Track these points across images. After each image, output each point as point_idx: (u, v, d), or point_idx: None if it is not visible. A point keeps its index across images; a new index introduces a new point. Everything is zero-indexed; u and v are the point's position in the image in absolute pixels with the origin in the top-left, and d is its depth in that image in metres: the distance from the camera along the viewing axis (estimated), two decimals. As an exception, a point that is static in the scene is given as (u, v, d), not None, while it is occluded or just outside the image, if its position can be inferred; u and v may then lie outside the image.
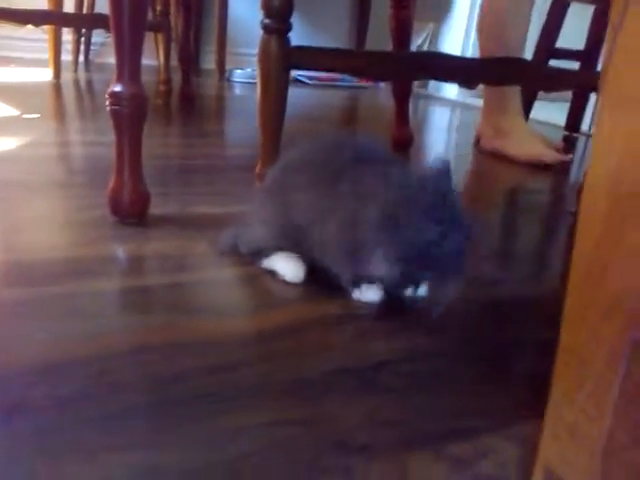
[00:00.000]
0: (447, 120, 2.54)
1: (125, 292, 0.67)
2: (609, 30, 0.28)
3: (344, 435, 0.46)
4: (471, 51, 3.13)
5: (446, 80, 1.08)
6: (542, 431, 0.32)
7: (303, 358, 0.56)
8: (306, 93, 2.85)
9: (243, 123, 1.91)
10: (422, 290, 0.72)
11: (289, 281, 0.72)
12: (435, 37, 3.39)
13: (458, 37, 3.20)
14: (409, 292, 0.71)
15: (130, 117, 0.83)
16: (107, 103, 0.83)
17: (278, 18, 0.88)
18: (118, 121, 0.84)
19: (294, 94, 2.72)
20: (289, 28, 0.90)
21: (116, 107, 0.83)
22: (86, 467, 0.40)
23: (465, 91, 3.15)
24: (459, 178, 1.35)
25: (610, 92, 0.27)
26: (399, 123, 1.51)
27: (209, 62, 3.29)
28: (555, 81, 1.04)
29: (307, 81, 3.22)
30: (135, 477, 0.40)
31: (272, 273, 0.73)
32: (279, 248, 0.73)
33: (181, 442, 0.43)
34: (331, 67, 0.93)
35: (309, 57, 0.92)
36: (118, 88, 0.82)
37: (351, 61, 0.94)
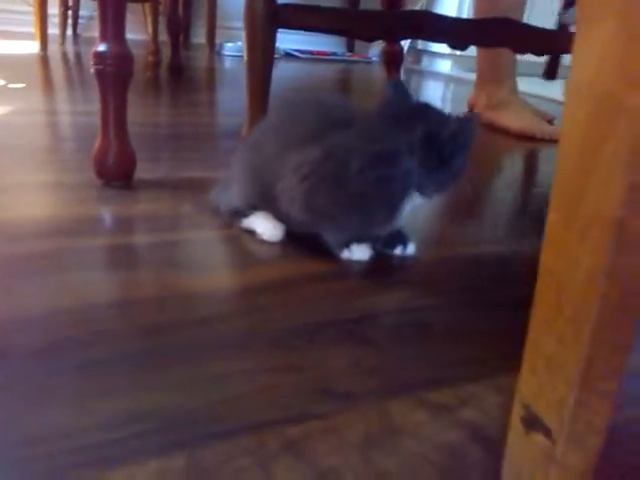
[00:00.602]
0: (440, 94, 2.51)
1: (111, 249, 0.66)
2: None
3: (327, 383, 0.46)
4: (466, 14, 3.09)
5: (435, 40, 1.06)
6: (520, 366, 0.32)
7: (288, 311, 0.56)
8: (298, 67, 2.82)
9: (232, 94, 1.88)
10: (410, 249, 0.72)
11: (267, 240, 0.71)
12: (431, 2, 3.34)
13: (453, 3, 3.14)
14: (398, 250, 0.71)
15: (114, 76, 0.82)
16: (91, 63, 0.81)
17: (264, -26, 0.86)
18: (102, 81, 0.82)
19: (286, 67, 2.70)
20: (275, -16, 0.88)
21: (100, 67, 0.81)
22: (68, 412, 0.40)
23: (458, 65, 3.12)
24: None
25: (586, 3, 0.26)
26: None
27: (199, 36, 3.24)
28: (548, 43, 1.03)
29: (299, 55, 3.18)
30: (118, 422, 0.39)
31: (252, 233, 0.72)
32: (256, 207, 0.72)
33: (164, 387, 0.43)
34: (318, 26, 0.91)
35: (295, 15, 0.90)
36: (102, 48, 0.81)
37: (338, 20, 0.92)
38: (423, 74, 3.05)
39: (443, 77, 2.99)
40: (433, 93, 2.53)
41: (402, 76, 1.49)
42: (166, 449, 0.37)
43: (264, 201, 0.71)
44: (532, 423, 0.32)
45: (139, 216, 0.77)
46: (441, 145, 0.63)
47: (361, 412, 0.43)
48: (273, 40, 0.90)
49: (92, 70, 0.82)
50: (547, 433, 0.31)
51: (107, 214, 0.77)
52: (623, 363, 0.29)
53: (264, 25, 0.88)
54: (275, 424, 0.41)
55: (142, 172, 0.90)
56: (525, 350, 0.32)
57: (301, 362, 0.48)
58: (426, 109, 0.66)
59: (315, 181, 0.63)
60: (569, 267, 0.28)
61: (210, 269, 0.64)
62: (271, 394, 0.44)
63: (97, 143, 0.84)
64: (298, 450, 0.38)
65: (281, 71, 2.55)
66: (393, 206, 0.64)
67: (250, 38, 0.90)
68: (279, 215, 0.71)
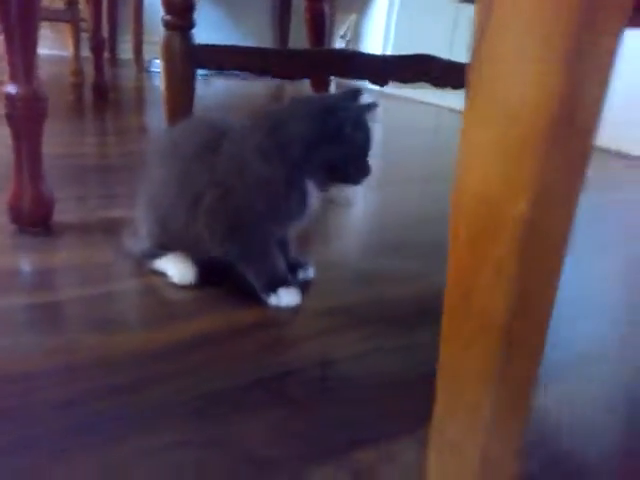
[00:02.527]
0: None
1: (25, 308, 0.63)
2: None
3: (249, 451, 0.45)
4: (392, 41, 3.18)
5: (355, 77, 1.08)
6: (426, 447, 0.33)
7: (211, 374, 0.55)
8: (233, 85, 2.80)
9: (162, 116, 1.84)
10: (310, 272, 0.75)
11: (179, 283, 0.70)
12: (357, 28, 3.42)
13: (379, 28, 3.23)
14: (300, 275, 0.74)
15: (26, 119, 0.78)
16: (3, 105, 0.78)
17: (179, 14, 0.85)
18: (14, 124, 0.78)
19: (221, 86, 2.66)
20: (192, 25, 0.87)
21: (10, 110, 0.77)
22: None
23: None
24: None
25: (475, 108, 0.28)
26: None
27: (127, 52, 3.16)
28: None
29: (236, 72, 3.15)
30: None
31: (165, 276, 0.71)
32: (166, 247, 0.72)
33: (89, 468, 0.41)
34: (238, 66, 0.92)
35: (214, 55, 0.89)
36: (12, 89, 0.77)
37: (258, 60, 0.93)
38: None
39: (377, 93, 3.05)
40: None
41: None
42: None
43: (173, 239, 0.70)
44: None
45: (56, 268, 0.74)
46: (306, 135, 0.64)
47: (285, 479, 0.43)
48: (193, 79, 0.89)
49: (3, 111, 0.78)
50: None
51: (22, 266, 0.74)
52: (520, 444, 0.31)
53: (182, 66, 0.87)
54: (195, 505, 0.40)
55: (62, 213, 0.86)
56: (430, 432, 0.33)
57: (226, 431, 0.47)
58: (296, 106, 0.67)
59: (218, 211, 0.65)
60: (465, 360, 0.29)
61: (128, 328, 0.62)
62: (200, 469, 0.43)
63: (11, 188, 0.81)
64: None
65: (217, 89, 2.52)
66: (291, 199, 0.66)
67: (169, 77, 0.88)
68: (195, 251, 0.70)
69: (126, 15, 3.07)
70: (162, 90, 0.90)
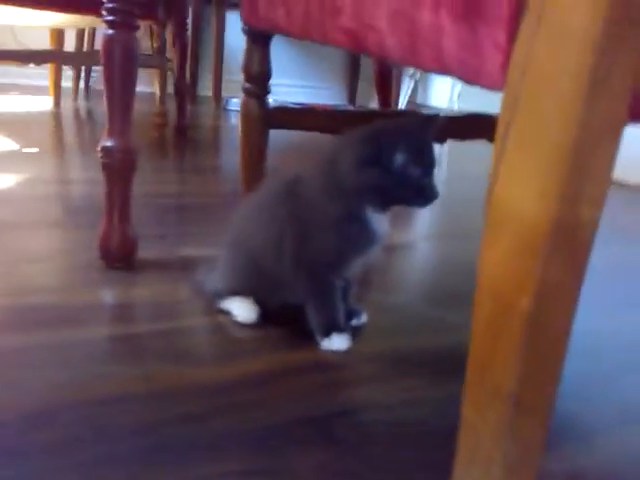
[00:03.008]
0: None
1: (109, 340, 0.72)
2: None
3: (299, 484, 0.51)
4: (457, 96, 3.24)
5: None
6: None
7: (267, 409, 0.61)
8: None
9: (236, 157, 1.97)
10: (363, 318, 0.79)
11: (242, 322, 0.77)
12: (423, 83, 3.52)
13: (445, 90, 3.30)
14: (354, 322, 0.79)
15: (120, 170, 0.90)
16: (99, 156, 0.89)
17: (257, 83, 0.96)
18: (108, 173, 0.90)
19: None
20: (268, 91, 0.98)
21: (107, 160, 0.89)
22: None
23: (455, 99, 3.24)
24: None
25: (490, 214, 0.33)
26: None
27: (206, 89, 3.37)
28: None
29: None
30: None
31: (232, 317, 0.79)
32: (236, 291, 0.79)
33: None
34: (307, 127, 1.01)
35: (286, 118, 0.99)
36: (109, 143, 0.89)
37: (325, 121, 1.02)
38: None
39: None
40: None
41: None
42: None
43: (258, 285, 0.77)
44: None
45: (136, 303, 0.83)
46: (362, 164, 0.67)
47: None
48: (266, 140, 0.99)
49: (100, 161, 0.90)
50: None
51: (107, 299, 0.84)
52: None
53: (258, 128, 0.97)
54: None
55: (145, 250, 0.96)
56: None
57: (277, 463, 0.53)
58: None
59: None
60: (480, 423, 0.34)
61: (197, 361, 0.69)
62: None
63: (101, 228, 0.92)
64: None
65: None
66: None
67: (244, 138, 0.99)
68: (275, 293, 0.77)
69: (207, 54, 3.30)
70: (239, 143, 1.01)
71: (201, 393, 0.63)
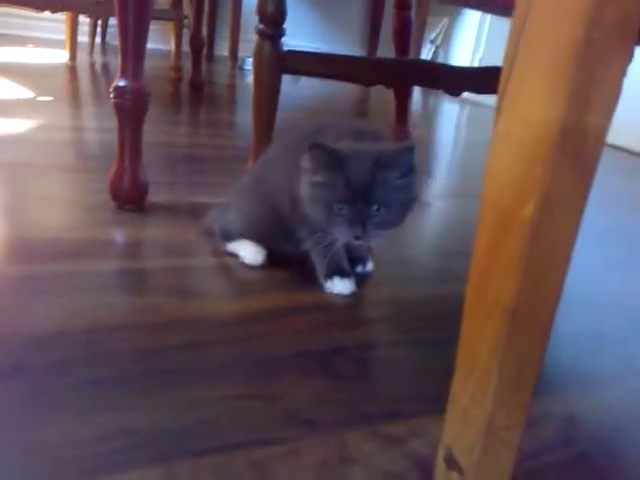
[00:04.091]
0: (455, 117, 2.57)
1: (118, 273, 0.73)
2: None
3: (294, 411, 0.52)
4: (483, 46, 3.15)
5: (431, 87, 1.12)
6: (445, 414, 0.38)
7: (272, 342, 0.62)
8: (316, 85, 2.88)
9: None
10: (369, 266, 0.80)
11: (249, 264, 0.78)
12: (449, 32, 3.41)
13: (471, 33, 3.22)
14: (359, 269, 0.80)
15: (131, 110, 0.89)
16: (111, 96, 0.89)
17: (271, 24, 0.94)
18: (120, 113, 0.90)
19: (309, 85, 2.76)
20: (282, 34, 0.96)
21: (119, 100, 0.89)
22: (70, 425, 0.46)
23: (476, 64, 3.17)
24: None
25: (500, 123, 0.32)
26: (398, 121, 1.56)
27: (223, 48, 3.34)
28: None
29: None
30: (110, 435, 0.46)
31: (235, 255, 0.80)
32: (246, 236, 0.80)
33: (153, 407, 0.50)
34: (322, 73, 0.99)
35: (301, 62, 0.97)
36: (121, 83, 0.88)
37: (341, 67, 1.00)
38: (439, 95, 3.11)
39: (458, 99, 3.04)
40: (448, 116, 2.59)
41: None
42: (147, 462, 0.44)
43: (268, 233, 0.78)
44: (451, 462, 0.38)
45: (146, 241, 0.84)
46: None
47: (321, 439, 0.49)
48: (278, 83, 0.98)
49: (111, 102, 0.90)
50: (461, 472, 0.37)
51: (117, 237, 0.85)
52: (524, 417, 0.35)
53: (271, 71, 0.95)
54: (244, 446, 0.47)
55: (155, 195, 0.97)
56: (448, 402, 0.38)
57: (275, 390, 0.54)
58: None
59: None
60: (478, 338, 0.34)
61: (201, 297, 0.70)
62: (244, 419, 0.50)
63: (113, 169, 0.92)
64: (261, 471, 0.45)
65: (299, 89, 2.63)
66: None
67: (257, 82, 0.97)
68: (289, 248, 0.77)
69: (224, 13, 3.25)
70: (252, 89, 0.99)
71: (206, 325, 0.64)
